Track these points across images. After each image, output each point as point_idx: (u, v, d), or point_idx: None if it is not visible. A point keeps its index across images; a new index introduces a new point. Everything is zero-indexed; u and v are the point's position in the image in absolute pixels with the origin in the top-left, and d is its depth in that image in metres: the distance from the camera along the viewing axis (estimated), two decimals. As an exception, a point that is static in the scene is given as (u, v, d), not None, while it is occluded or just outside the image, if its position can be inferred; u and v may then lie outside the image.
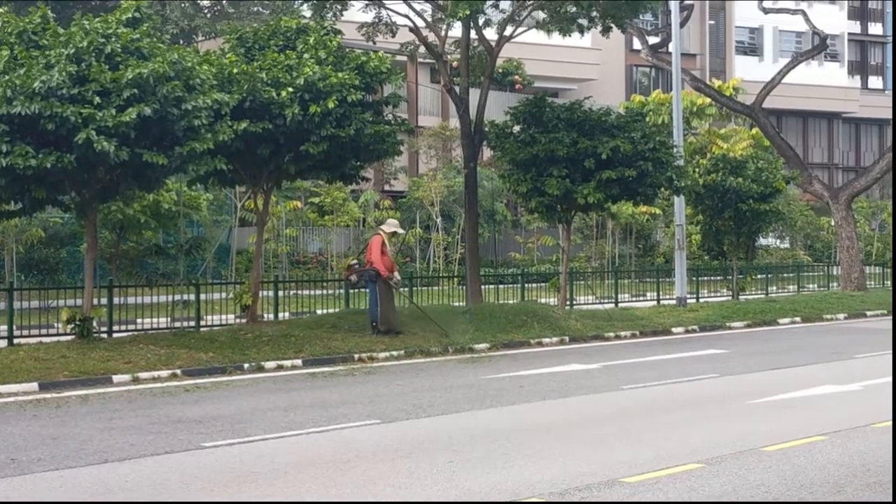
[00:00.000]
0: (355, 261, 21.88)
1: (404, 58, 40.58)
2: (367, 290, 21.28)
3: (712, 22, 64.02)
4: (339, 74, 19.13)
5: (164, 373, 16.95)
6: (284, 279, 28.82)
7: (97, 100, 16.48)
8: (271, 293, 24.17)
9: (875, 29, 75.49)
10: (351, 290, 25.15)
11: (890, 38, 75.71)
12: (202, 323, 21.79)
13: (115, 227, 27.80)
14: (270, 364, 18.18)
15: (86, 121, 16.33)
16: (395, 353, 19.72)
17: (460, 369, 18.22)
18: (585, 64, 54.71)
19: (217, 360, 17.85)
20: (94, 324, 19.29)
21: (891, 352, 20.75)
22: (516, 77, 51.15)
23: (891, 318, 29.23)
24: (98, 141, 16.19)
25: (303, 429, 12.60)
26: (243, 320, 21.65)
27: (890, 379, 16.80)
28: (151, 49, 17.34)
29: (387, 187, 47.05)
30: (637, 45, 44.71)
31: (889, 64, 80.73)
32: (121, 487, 9.82)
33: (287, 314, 24.24)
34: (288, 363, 18.37)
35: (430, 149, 47.26)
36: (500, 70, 49.80)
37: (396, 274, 21.47)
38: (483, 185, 40.17)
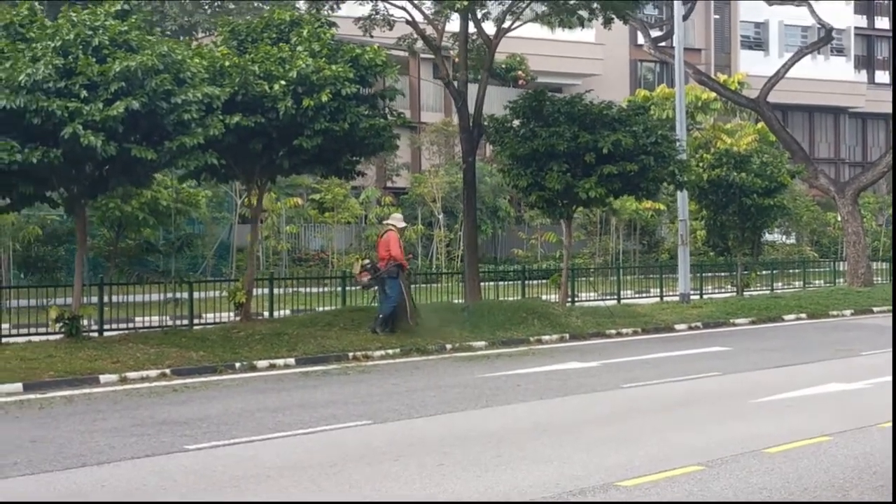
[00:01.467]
0: (367, 260, 21.35)
1: (405, 53, 40.31)
2: (388, 287, 20.53)
3: (717, 17, 63.55)
4: (333, 67, 18.71)
5: (153, 372, 16.54)
6: (281, 276, 28.41)
7: (84, 93, 16.09)
8: (269, 291, 23.75)
9: (882, 23, 74.95)
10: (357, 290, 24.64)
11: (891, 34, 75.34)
12: (196, 322, 21.38)
13: (114, 225, 27.46)
14: (262, 363, 17.78)
15: (72, 115, 15.95)
16: (390, 351, 19.31)
17: (457, 368, 17.82)
18: (589, 59, 54.25)
19: (208, 360, 17.45)
20: (85, 322, 18.90)
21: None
22: (519, 72, 50.70)
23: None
24: (84, 135, 15.82)
25: (290, 430, 12.22)
26: (238, 319, 21.25)
27: None
28: (140, 42, 16.93)
29: (389, 184, 46.64)
30: (641, 39, 44.25)
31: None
32: (96, 492, 9.45)
33: (287, 311, 23.81)
34: (280, 362, 17.97)
35: (432, 145, 46.86)
36: (504, 66, 49.43)
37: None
38: (485, 181, 39.82)
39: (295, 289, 26.59)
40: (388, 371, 17.48)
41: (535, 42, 49.10)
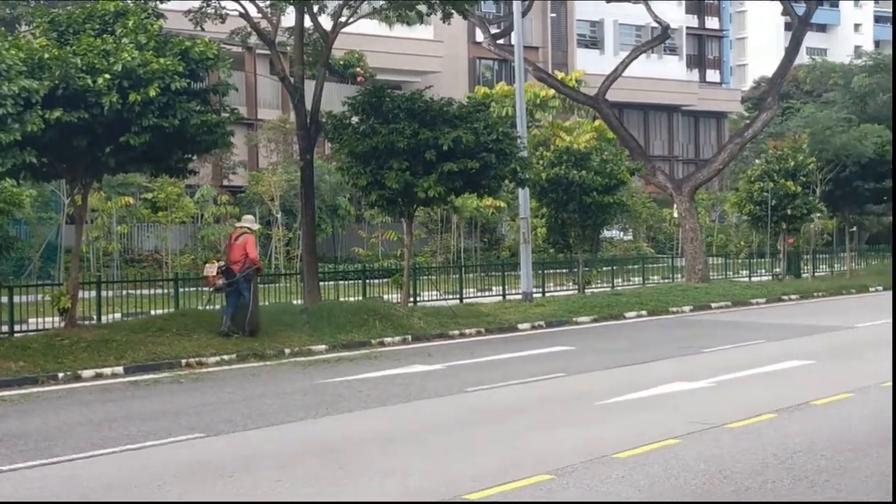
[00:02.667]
0: (222, 262, 20.42)
1: (241, 49, 39.14)
2: (244, 290, 19.93)
3: (554, 15, 63.99)
4: (161, 60, 17.75)
5: (-34, 385, 15.45)
6: (111, 279, 27.21)
7: None
8: (97, 294, 22.57)
9: (712, 23, 76.67)
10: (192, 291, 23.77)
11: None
12: (17, 329, 20.07)
13: (-64, 225, 25.90)
14: (88, 372, 16.75)
15: None
16: (226, 357, 18.46)
17: (296, 374, 17.12)
18: (429, 56, 53.97)
19: (28, 370, 16.34)
20: None
21: (741, 344, 20.50)
22: (358, 69, 50.04)
23: (736, 309, 29.22)
24: None
25: (117, 446, 11.41)
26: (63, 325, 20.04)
27: (738, 374, 16.40)
28: (-51, 31, 15.79)
29: (226, 182, 45.53)
30: (481, 37, 44.05)
31: (726, 59, 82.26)
32: None
33: (119, 316, 22.70)
34: (108, 371, 16.96)
35: (270, 142, 45.90)
36: (342, 62, 48.73)
37: None
38: (325, 180, 39.11)
39: (128, 291, 25.48)
40: (223, 378, 16.70)
41: (374, 39, 48.55)
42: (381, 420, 13.06)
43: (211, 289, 21.09)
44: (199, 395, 15.04)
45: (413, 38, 51.51)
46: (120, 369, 17.11)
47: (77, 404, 14.29)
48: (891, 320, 24.63)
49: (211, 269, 20.34)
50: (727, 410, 13.15)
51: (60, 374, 16.42)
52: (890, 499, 9.06)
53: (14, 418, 13.20)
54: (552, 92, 43.97)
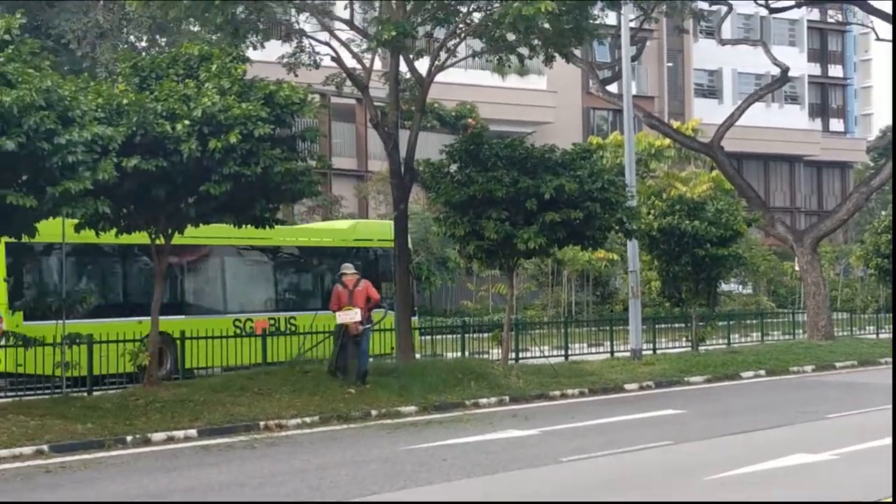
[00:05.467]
0: (358, 309, 19.35)
1: (353, 101, 38.41)
2: (364, 339, 19.49)
3: (670, 64, 62.53)
4: (244, 105, 16.86)
5: (28, 450, 14.41)
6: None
7: (-50, 133, 14.21)
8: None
9: (835, 71, 74.39)
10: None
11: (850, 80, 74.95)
12: (96, 387, 19.12)
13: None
14: (159, 435, 15.71)
15: (-64, 156, 14.07)
16: (307, 419, 17.28)
17: (379, 438, 15.89)
18: (541, 107, 52.97)
19: (95, 433, 15.32)
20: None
21: (876, 409, 18.71)
22: (470, 120, 49.13)
23: (863, 369, 27.27)
24: (-51, 180, 13.95)
25: (164, 525, 10.34)
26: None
27: (868, 445, 14.72)
28: (20, 75, 15.03)
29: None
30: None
31: (850, 108, 79.71)
32: None
33: (218, 369, 21.77)
34: (180, 434, 15.90)
35: (379, 194, 45.25)
36: (454, 113, 47.98)
37: None
38: (432, 231, 38.13)
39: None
40: (301, 443, 15.57)
41: (486, 90, 47.85)
42: (460, 496, 11.76)
43: (353, 335, 19.70)
44: (270, 462, 13.92)
45: (526, 89, 50.66)
46: (193, 432, 16.06)
47: (139, 472, 13.27)
48: None
49: (354, 316, 19.16)
50: (857, 490, 11.56)
51: (129, 438, 15.41)
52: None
53: (67, 489, 12.23)
54: (667, 142, 42.47)
